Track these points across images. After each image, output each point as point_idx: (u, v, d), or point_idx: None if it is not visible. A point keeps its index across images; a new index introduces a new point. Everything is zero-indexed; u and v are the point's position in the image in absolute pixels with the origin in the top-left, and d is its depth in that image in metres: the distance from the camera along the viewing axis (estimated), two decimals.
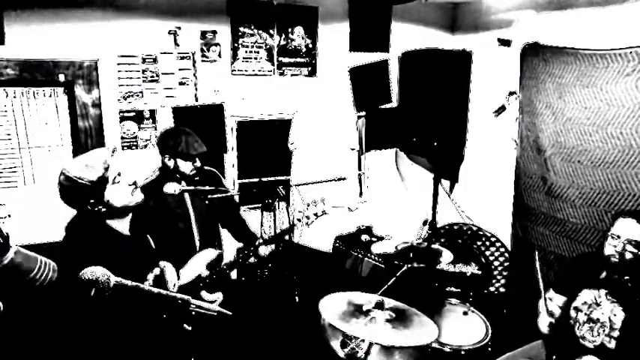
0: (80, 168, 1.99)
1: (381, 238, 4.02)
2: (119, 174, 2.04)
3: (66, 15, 3.19)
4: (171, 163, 2.86)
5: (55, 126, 3.36)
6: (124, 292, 1.81)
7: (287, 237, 2.95)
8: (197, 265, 2.68)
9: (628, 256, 2.30)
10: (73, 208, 2.02)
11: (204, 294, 2.62)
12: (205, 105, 3.74)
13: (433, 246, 3.22)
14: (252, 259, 2.88)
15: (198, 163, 2.92)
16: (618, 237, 2.33)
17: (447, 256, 3.14)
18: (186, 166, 2.87)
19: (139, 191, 2.11)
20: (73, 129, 3.38)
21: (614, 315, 2.31)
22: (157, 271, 2.13)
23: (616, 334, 2.29)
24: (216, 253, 2.76)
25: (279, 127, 4.04)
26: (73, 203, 2.01)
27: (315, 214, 2.90)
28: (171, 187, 2.73)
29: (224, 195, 2.99)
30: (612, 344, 2.30)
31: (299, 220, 2.90)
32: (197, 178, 2.92)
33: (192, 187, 2.84)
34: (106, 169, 2.02)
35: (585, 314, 2.42)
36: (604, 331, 2.34)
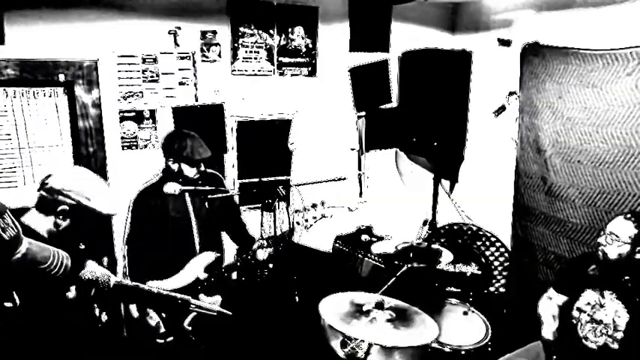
0: None
1: (381, 238, 4.02)
2: None
3: (66, 15, 3.19)
4: (175, 167, 2.81)
5: (55, 126, 3.36)
6: (123, 292, 1.82)
7: (286, 239, 2.95)
8: (195, 269, 2.68)
9: (607, 249, 2.33)
10: None
11: (202, 297, 2.62)
12: (205, 105, 3.74)
13: (433, 246, 3.22)
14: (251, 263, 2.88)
15: (202, 168, 2.88)
16: (605, 230, 2.38)
17: (446, 256, 3.14)
18: (190, 171, 2.82)
19: None
20: (73, 129, 3.38)
21: (619, 317, 2.31)
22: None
23: (620, 335, 2.29)
24: (215, 256, 2.75)
25: (279, 127, 4.04)
26: None
27: (315, 218, 2.89)
28: (171, 187, 2.71)
29: (224, 195, 2.97)
30: (615, 345, 2.30)
31: (298, 223, 2.90)
32: (200, 181, 2.88)
33: (192, 187, 2.82)
34: None
35: (588, 315, 2.42)
36: (607, 332, 2.33)
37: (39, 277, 1.57)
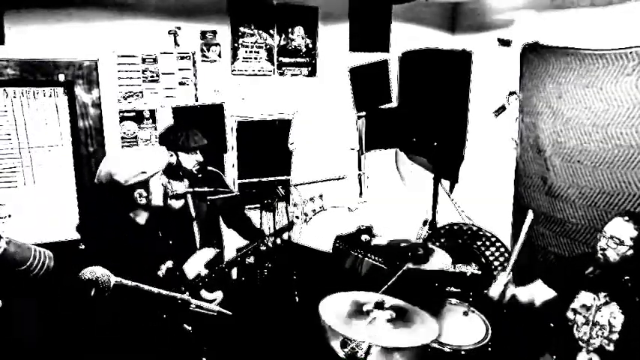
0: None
1: None
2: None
3: (66, 15, 3.19)
4: (173, 159, 2.88)
5: (55, 126, 3.36)
6: (123, 292, 1.81)
7: (286, 234, 2.96)
8: (196, 265, 2.68)
9: (609, 252, 2.33)
10: None
11: (203, 293, 2.62)
12: (205, 105, 3.74)
13: (429, 246, 3.20)
14: (251, 258, 2.89)
15: (200, 157, 2.93)
16: (604, 233, 2.37)
17: (439, 255, 3.11)
18: (188, 161, 2.89)
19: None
20: (73, 129, 3.38)
21: (614, 318, 2.31)
22: (169, 264, 2.18)
23: (615, 337, 2.29)
24: (215, 252, 2.76)
25: (279, 127, 4.04)
26: None
27: (314, 211, 2.91)
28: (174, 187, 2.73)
29: (227, 196, 2.99)
30: (611, 347, 2.31)
31: (297, 217, 2.91)
32: (200, 176, 2.93)
33: (192, 190, 2.84)
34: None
35: (584, 316, 2.42)
36: (603, 333, 2.34)
37: (18, 278, 1.55)
